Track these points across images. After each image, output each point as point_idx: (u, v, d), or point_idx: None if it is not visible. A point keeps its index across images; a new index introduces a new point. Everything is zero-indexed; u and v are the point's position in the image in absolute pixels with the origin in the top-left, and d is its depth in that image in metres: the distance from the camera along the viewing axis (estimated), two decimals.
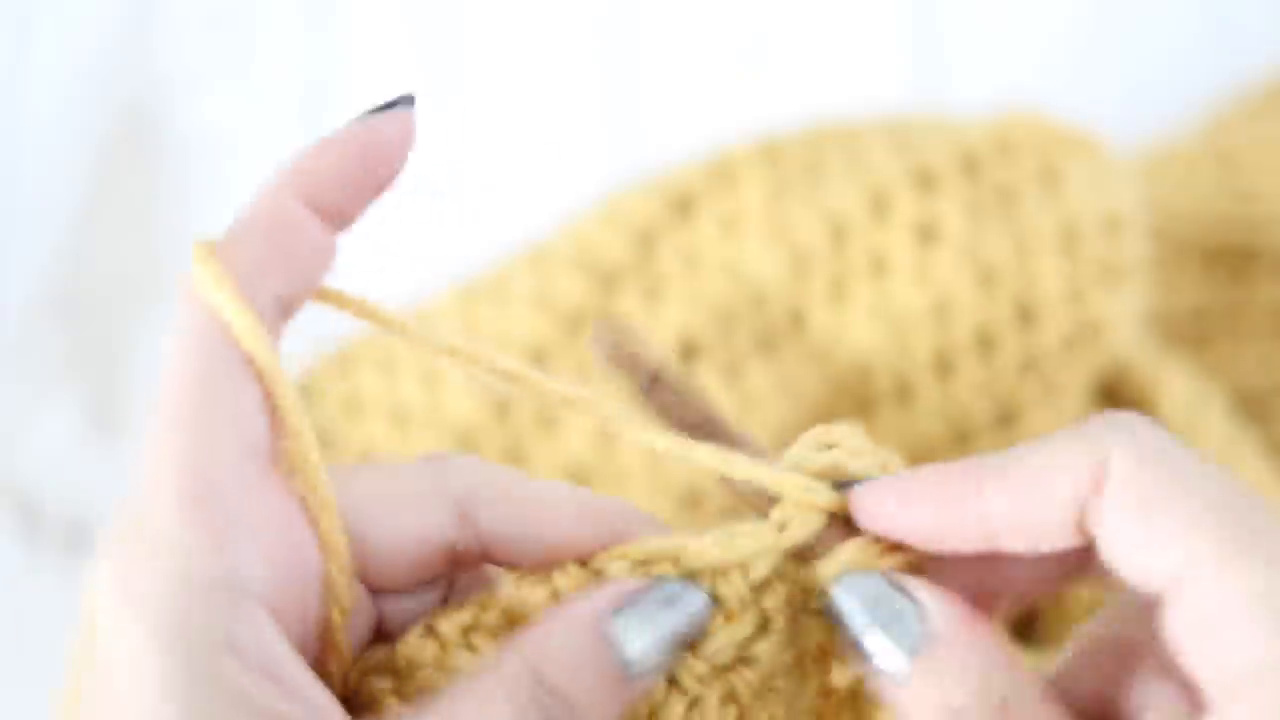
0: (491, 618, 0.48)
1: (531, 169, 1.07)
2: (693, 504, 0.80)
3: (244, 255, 0.49)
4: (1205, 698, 0.44)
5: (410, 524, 0.48)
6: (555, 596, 0.48)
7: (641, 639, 0.46)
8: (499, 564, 0.49)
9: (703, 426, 0.52)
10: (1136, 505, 0.45)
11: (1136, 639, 0.47)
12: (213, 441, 0.45)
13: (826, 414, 0.83)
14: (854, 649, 0.47)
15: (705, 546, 0.48)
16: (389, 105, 0.52)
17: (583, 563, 0.48)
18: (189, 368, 0.46)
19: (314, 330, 1.03)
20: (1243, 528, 0.44)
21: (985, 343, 0.82)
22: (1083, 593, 0.81)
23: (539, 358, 0.84)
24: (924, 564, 0.48)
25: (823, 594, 0.48)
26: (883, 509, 0.48)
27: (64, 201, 1.07)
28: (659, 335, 0.81)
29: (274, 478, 0.46)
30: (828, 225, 0.82)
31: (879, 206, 0.82)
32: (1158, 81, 1.07)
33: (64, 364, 1.02)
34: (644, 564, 0.48)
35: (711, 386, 0.80)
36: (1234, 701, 0.43)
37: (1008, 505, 0.47)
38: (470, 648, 0.47)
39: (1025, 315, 0.81)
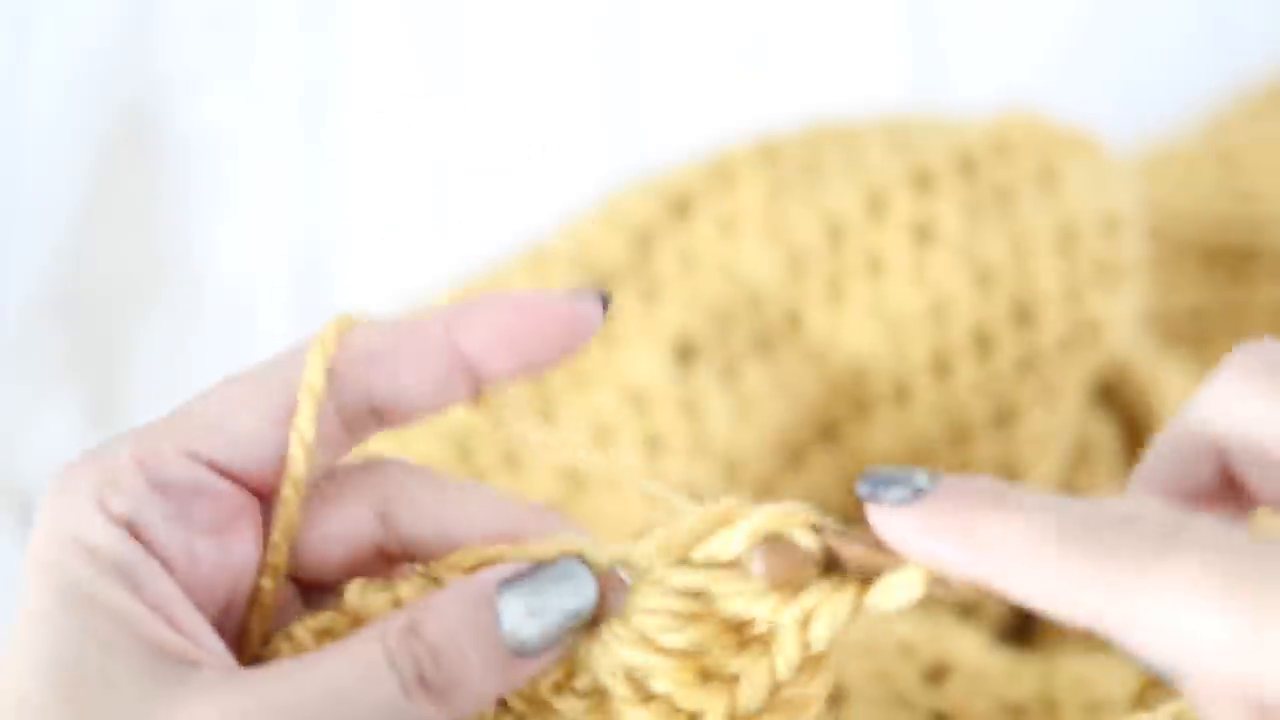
0: (343, 624, 0.48)
1: (531, 169, 1.07)
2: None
3: (362, 342, 0.49)
4: None
5: (336, 523, 0.49)
6: (398, 604, 0.48)
7: (523, 608, 0.46)
8: (422, 563, 0.50)
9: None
10: None
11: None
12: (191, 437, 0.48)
13: (824, 414, 0.83)
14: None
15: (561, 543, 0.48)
16: (585, 295, 0.50)
17: (424, 571, 0.49)
18: (272, 377, 0.49)
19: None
20: None
21: (983, 343, 0.81)
22: None
23: None
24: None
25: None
26: (905, 533, 0.45)
27: (64, 201, 1.07)
28: (656, 335, 0.81)
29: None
30: (824, 225, 0.82)
31: (876, 207, 0.82)
32: (1157, 81, 1.07)
33: (64, 364, 1.02)
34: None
35: (709, 387, 0.80)
36: None
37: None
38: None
39: (1023, 315, 0.81)
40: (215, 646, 0.47)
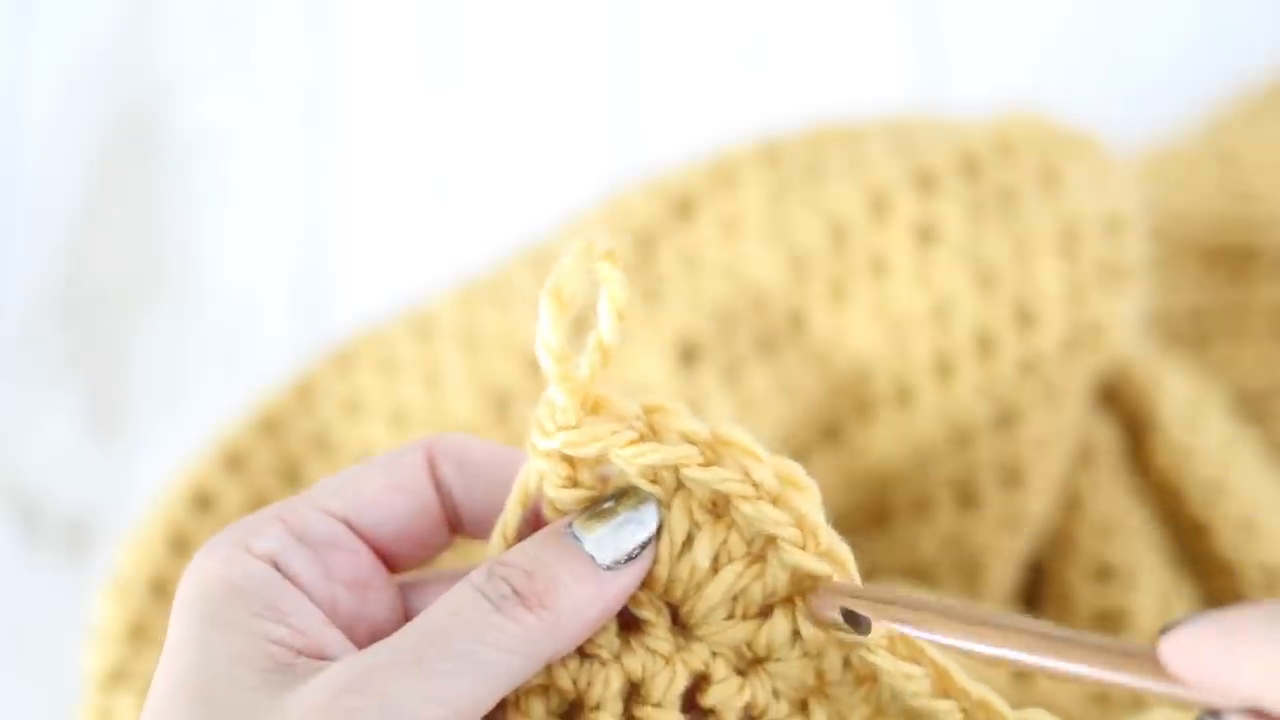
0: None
1: (532, 170, 1.07)
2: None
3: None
4: None
5: (403, 498, 0.52)
6: None
7: (595, 535, 0.50)
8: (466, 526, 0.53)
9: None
10: None
11: None
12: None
13: (826, 415, 0.83)
14: None
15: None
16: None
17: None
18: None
19: (315, 329, 1.03)
20: None
21: (985, 344, 0.82)
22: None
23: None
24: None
25: None
26: (1205, 658, 0.42)
27: (64, 201, 1.07)
28: (660, 337, 0.81)
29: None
30: (827, 226, 0.82)
31: (879, 207, 0.82)
32: (1158, 81, 1.07)
33: (64, 364, 1.02)
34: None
35: (711, 388, 0.80)
36: None
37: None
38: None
39: (1025, 316, 0.81)
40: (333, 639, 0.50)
